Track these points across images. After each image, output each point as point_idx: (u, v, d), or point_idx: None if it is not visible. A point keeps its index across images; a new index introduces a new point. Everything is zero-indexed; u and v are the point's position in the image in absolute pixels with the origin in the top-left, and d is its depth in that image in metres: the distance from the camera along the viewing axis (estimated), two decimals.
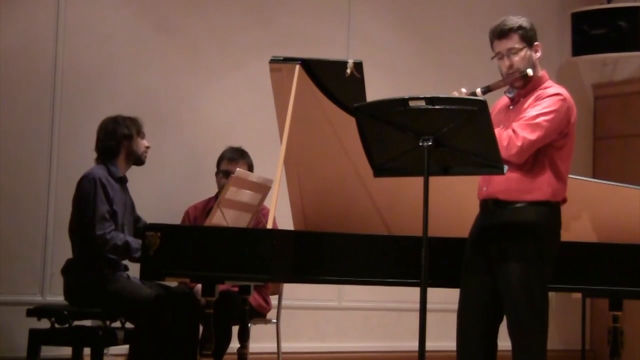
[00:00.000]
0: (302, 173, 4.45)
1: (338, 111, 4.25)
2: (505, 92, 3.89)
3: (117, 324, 4.71)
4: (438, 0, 7.01)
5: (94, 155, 4.89)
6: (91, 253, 4.70)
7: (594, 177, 6.47)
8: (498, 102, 3.96)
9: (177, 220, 5.37)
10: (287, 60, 4.23)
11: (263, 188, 4.48)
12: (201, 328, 4.37)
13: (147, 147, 4.94)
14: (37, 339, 4.66)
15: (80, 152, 5.32)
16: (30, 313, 4.68)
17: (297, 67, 4.17)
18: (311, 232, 4.36)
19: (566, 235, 3.87)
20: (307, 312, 6.32)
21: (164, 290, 4.75)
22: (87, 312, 4.67)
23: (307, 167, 4.44)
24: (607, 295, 4.40)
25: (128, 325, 4.74)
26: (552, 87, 3.79)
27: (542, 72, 3.84)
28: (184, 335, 4.80)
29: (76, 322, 4.68)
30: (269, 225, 3.99)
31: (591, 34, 7.19)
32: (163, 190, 5.78)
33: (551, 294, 3.83)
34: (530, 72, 3.74)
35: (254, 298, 5.14)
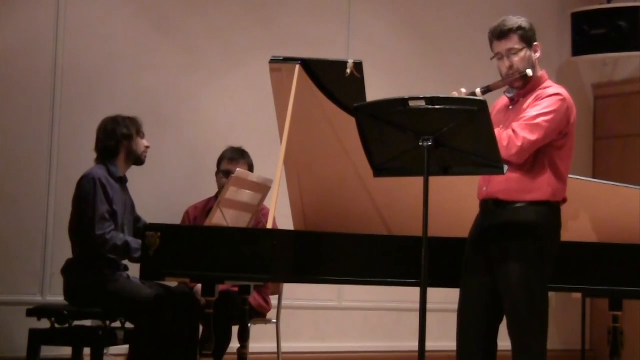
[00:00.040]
0: (302, 173, 4.45)
1: (338, 111, 4.25)
2: (504, 92, 3.89)
3: (117, 324, 4.71)
4: (438, 1, 7.01)
5: (94, 155, 4.89)
6: (91, 253, 4.70)
7: (594, 177, 6.46)
8: (497, 102, 3.96)
9: (177, 220, 5.37)
10: (287, 60, 4.23)
11: (263, 188, 4.48)
12: (201, 328, 4.37)
13: (147, 147, 4.94)
14: (37, 339, 4.66)
15: (80, 152, 5.32)
16: (30, 313, 4.68)
17: (297, 67, 4.17)
18: (311, 232, 4.36)
19: (566, 235, 3.87)
20: (307, 312, 6.32)
21: (164, 290, 4.75)
22: (87, 312, 4.67)
23: (307, 167, 4.44)
24: (607, 295, 4.40)
25: (128, 325, 4.74)
26: (551, 87, 3.79)
27: (541, 72, 3.84)
28: (184, 335, 4.80)
29: (76, 322, 4.68)
30: (269, 225, 3.99)
31: (591, 34, 7.19)
32: (163, 190, 5.78)
33: (551, 294, 3.83)
34: (530, 72, 3.75)
35: (254, 298, 5.14)
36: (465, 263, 3.83)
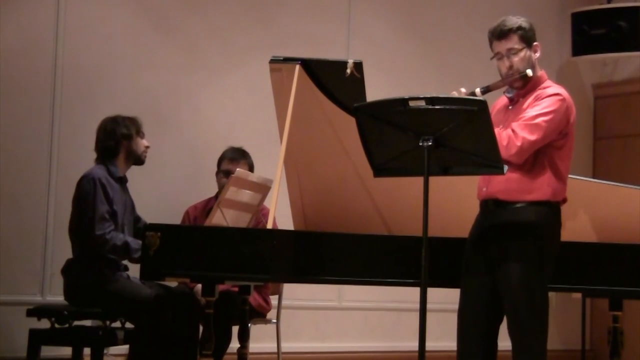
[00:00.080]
0: (302, 173, 4.45)
1: (338, 111, 4.25)
2: (504, 92, 3.89)
3: (117, 324, 4.71)
4: (438, 1, 7.01)
5: (94, 155, 4.89)
6: (91, 253, 4.70)
7: (594, 177, 6.46)
8: (497, 102, 3.96)
9: (177, 220, 5.37)
10: (287, 60, 4.23)
11: (263, 188, 4.48)
12: (201, 328, 4.37)
13: (147, 147, 4.94)
14: (37, 339, 4.66)
15: (80, 152, 5.31)
16: (30, 313, 4.68)
17: (297, 67, 4.17)
18: (311, 232, 4.36)
19: (566, 235, 3.87)
20: (307, 312, 6.32)
21: (164, 290, 4.75)
22: (87, 312, 4.67)
23: (307, 167, 4.44)
24: (607, 295, 4.40)
25: (128, 325, 4.74)
26: (551, 87, 3.79)
27: (541, 72, 3.84)
28: (184, 335, 4.80)
29: (76, 322, 4.68)
30: (269, 225, 3.99)
31: (591, 34, 7.19)
32: (163, 190, 5.78)
33: (551, 294, 3.83)
34: (529, 72, 3.75)
35: (254, 298, 5.14)
36: (465, 263, 3.83)
